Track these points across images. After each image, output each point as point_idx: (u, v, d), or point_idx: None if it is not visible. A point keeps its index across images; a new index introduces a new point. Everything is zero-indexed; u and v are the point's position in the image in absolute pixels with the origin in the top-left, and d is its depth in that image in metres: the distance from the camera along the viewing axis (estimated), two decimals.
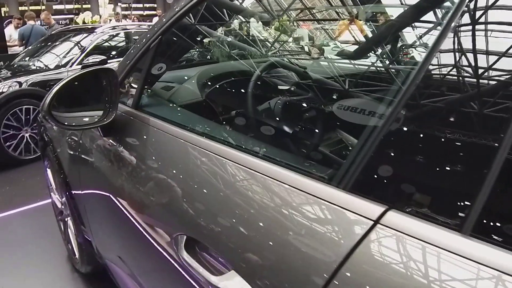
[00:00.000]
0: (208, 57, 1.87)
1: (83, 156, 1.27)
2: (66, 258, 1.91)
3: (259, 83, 1.12)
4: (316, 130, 0.92)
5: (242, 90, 1.16)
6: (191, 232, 0.72)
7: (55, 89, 0.96)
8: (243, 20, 1.79)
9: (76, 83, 1.01)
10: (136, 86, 1.13)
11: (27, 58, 4.03)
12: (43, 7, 12.72)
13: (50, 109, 0.94)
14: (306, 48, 1.51)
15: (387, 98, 0.60)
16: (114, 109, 1.01)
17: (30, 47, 4.48)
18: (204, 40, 1.63)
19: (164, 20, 1.08)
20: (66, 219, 1.72)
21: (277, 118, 0.96)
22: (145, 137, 0.99)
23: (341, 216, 0.51)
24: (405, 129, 0.52)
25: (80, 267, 1.72)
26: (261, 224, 0.60)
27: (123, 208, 0.98)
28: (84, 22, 6.80)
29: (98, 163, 1.18)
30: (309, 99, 1.04)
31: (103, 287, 1.68)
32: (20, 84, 3.37)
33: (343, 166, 0.55)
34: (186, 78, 1.32)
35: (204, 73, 1.30)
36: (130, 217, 0.94)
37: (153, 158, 0.93)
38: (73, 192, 1.42)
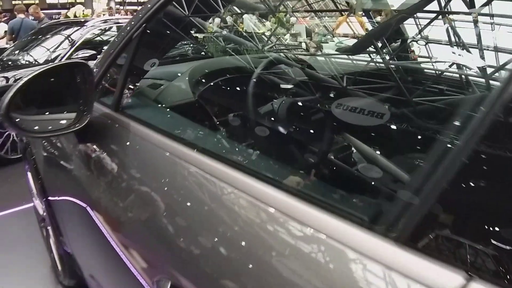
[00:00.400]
0: (201, 51, 1.76)
1: (59, 161, 1.15)
2: (50, 268, 1.79)
3: (260, 81, 1.00)
4: (347, 146, 0.72)
5: (241, 90, 1.04)
6: (177, 279, 0.56)
7: (16, 86, 0.79)
8: (240, 11, 1.68)
9: (43, 79, 0.84)
10: (116, 83, 0.99)
11: (16, 52, 3.90)
12: (37, 1, 12.49)
13: (9, 111, 0.77)
14: (310, 44, 1.41)
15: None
16: (89, 112, 0.87)
17: (18, 41, 4.36)
18: (196, 32, 1.50)
19: (149, 5, 0.93)
20: (47, 227, 1.61)
21: (289, 126, 0.82)
22: (125, 145, 0.86)
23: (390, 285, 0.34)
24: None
25: (63, 280, 1.60)
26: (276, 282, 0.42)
27: (99, 223, 0.86)
28: (75, 16, 6.64)
29: (74, 171, 1.05)
30: (322, 100, 0.88)
31: None
32: (7, 79, 3.24)
33: (397, 205, 0.38)
34: (176, 74, 1.19)
35: (197, 69, 1.17)
36: (106, 234, 0.82)
37: (134, 172, 0.80)
38: (50, 199, 1.31)
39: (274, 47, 1.61)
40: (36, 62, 3.55)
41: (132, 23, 0.95)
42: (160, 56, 1.22)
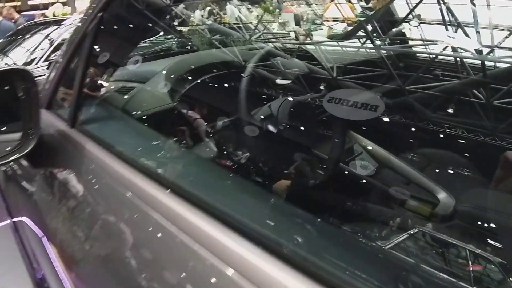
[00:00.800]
0: (186, 44, 1.66)
1: (16, 178, 1.00)
2: None
3: (252, 78, 0.90)
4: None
5: (231, 90, 0.92)
6: None
7: None
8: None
9: None
10: (71, 92, 0.81)
11: None
12: (19, 3, 12.20)
13: None
14: (299, 32, 1.34)
15: None
16: (36, 133, 0.72)
17: None
18: (172, 21, 1.38)
19: None
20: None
21: (297, 135, 0.72)
22: (80, 173, 0.70)
23: None
24: None
25: None
26: None
27: (53, 254, 0.77)
28: (54, 15, 6.46)
29: (32, 194, 0.90)
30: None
31: None
32: None
33: None
34: (150, 75, 1.01)
35: (176, 68, 1.03)
36: (60, 267, 0.73)
37: (89, 209, 0.65)
38: (15, 220, 1.22)
39: (261, 36, 1.54)
40: (15, 65, 3.49)
41: (89, 12, 0.76)
42: (127, 52, 1.00)
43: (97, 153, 0.66)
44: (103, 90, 0.93)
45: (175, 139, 0.75)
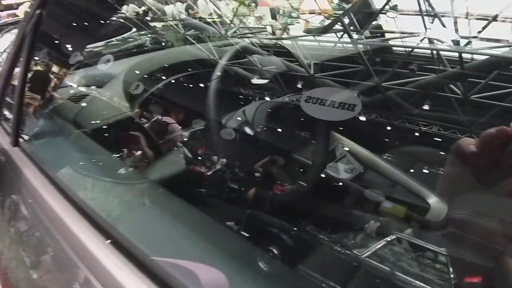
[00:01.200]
0: (151, 41, 1.56)
1: None
2: None
3: (224, 78, 0.83)
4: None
5: (201, 92, 0.83)
6: None
7: None
8: None
9: None
10: (13, 103, 0.71)
11: None
12: None
13: None
14: (276, 26, 1.30)
15: None
16: None
17: None
18: (130, 12, 1.26)
19: None
20: None
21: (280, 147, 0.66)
22: (20, 201, 0.60)
23: None
24: None
25: None
26: None
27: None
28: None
29: None
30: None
31: None
32: None
33: None
34: (108, 78, 0.87)
35: (136, 70, 0.91)
36: None
37: (29, 240, 0.56)
38: None
39: (237, 31, 1.49)
40: None
41: (27, 11, 0.67)
42: (76, 48, 0.85)
43: (35, 182, 0.56)
44: (51, 99, 0.83)
45: (129, 158, 0.66)
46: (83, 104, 0.81)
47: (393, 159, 0.66)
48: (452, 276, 0.53)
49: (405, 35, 0.93)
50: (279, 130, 0.80)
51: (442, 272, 0.54)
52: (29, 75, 0.70)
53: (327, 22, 1.12)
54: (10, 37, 3.39)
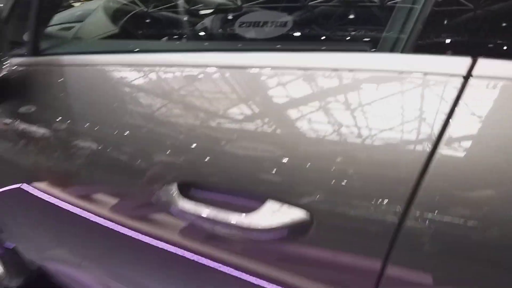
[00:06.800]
0: None
1: None
2: None
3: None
4: None
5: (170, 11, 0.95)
6: (184, 175, 0.54)
7: None
8: None
9: None
10: (27, 25, 0.84)
11: None
12: None
13: None
14: None
15: None
16: (4, 58, 0.75)
17: None
18: None
19: None
20: None
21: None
22: (60, 82, 0.74)
23: (416, 83, 0.41)
24: None
25: (10, 282, 1.46)
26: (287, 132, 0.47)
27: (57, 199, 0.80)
28: None
29: (9, 146, 0.90)
30: None
31: None
32: None
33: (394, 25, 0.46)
34: (85, 14, 1.03)
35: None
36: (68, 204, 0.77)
37: (82, 107, 0.70)
38: None
39: None
40: None
41: None
42: None
43: (76, 60, 0.72)
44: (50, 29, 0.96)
45: None
46: (74, 30, 0.96)
47: None
48: None
49: None
50: None
51: None
52: None
53: None
54: None
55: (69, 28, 0.94)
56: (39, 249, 1.10)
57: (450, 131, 0.38)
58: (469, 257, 0.36)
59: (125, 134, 0.61)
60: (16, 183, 0.95)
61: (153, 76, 0.63)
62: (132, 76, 0.65)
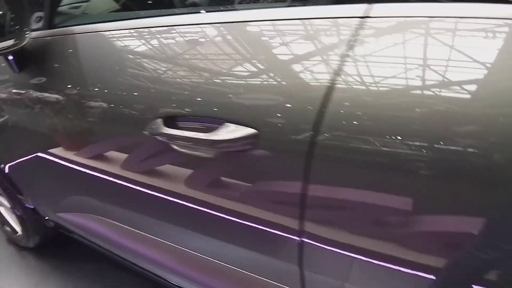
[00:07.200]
0: None
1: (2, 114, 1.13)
2: (6, 243, 1.78)
3: None
4: None
5: None
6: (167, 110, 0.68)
7: None
8: None
9: None
10: (44, 4, 0.97)
11: None
12: None
13: None
14: None
15: None
16: (25, 28, 0.88)
17: None
18: None
19: None
20: None
21: None
22: (72, 47, 0.88)
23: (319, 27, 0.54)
24: None
25: (27, 242, 1.63)
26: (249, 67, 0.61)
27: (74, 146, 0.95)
28: None
29: (26, 115, 1.04)
30: None
31: (56, 256, 1.65)
32: None
33: None
34: None
35: None
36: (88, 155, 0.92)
37: (98, 69, 0.82)
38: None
39: None
40: None
41: None
42: None
43: (89, 28, 0.86)
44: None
45: None
46: (82, 9, 1.10)
47: None
48: None
49: None
50: None
51: None
52: None
53: None
54: None
55: (78, 7, 1.10)
56: (55, 205, 1.25)
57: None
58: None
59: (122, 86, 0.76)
60: (33, 152, 1.11)
61: (147, 35, 0.77)
62: (130, 37, 0.80)
